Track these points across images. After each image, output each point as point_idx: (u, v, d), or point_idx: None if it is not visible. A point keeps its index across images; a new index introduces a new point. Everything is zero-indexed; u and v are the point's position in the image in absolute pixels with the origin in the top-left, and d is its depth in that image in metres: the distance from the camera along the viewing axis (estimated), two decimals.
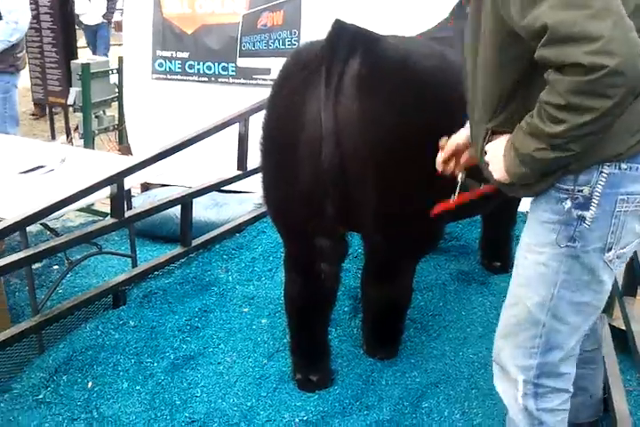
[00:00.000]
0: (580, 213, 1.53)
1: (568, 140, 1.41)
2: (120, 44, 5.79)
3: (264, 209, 3.14)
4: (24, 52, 4.75)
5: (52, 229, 3.11)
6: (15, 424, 2.25)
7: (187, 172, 4.06)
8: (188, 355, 2.60)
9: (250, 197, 3.89)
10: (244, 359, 2.59)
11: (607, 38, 1.27)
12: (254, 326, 2.79)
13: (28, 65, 5.39)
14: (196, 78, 4.62)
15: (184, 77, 4.64)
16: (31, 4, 5.36)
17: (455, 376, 2.50)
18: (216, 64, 4.53)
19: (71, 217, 4.07)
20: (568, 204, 1.54)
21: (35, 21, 5.57)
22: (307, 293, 2.37)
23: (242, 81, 4.48)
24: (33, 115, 7.03)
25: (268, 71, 4.33)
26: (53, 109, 6.00)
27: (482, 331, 2.75)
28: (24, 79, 5.16)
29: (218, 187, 3.44)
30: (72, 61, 5.12)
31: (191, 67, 4.61)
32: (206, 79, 4.59)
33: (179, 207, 3.24)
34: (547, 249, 1.59)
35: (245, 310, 2.91)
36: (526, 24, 1.37)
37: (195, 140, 3.14)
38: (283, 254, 2.51)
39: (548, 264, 1.59)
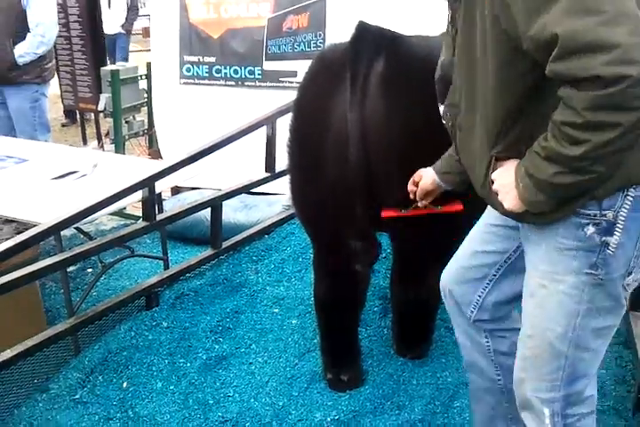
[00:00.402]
0: (603, 238, 1.42)
1: (591, 162, 1.28)
2: (148, 50, 5.87)
3: (292, 211, 3.17)
4: (52, 62, 4.82)
5: (85, 233, 3.16)
6: (53, 423, 2.30)
7: (216, 175, 4.10)
8: (220, 355, 2.64)
9: (278, 199, 3.92)
10: (276, 359, 2.62)
11: (626, 45, 1.16)
12: (285, 327, 2.81)
13: (58, 73, 5.49)
14: (223, 82, 4.67)
15: (211, 82, 4.70)
16: (60, 12, 5.46)
17: None
18: (242, 68, 4.58)
19: (103, 221, 4.14)
20: (590, 229, 1.42)
21: (64, 30, 5.68)
22: (336, 293, 2.39)
23: (268, 84, 4.52)
24: (63, 125, 7.14)
25: (294, 74, 4.36)
26: (84, 116, 6.11)
27: None
28: (54, 87, 5.25)
29: (246, 189, 3.47)
30: (102, 68, 5.21)
31: (218, 71, 4.66)
32: (233, 83, 4.63)
33: (209, 210, 3.28)
34: (568, 277, 1.48)
35: (276, 310, 2.93)
36: (534, 34, 1.24)
37: (223, 144, 3.18)
38: (312, 255, 2.53)
39: (569, 293, 1.49)
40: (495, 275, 1.78)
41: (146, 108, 5.20)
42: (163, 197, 3.79)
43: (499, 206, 1.51)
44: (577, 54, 1.20)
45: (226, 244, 3.38)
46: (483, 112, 1.48)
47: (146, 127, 5.24)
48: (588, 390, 1.61)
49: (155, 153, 4.95)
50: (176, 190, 4.42)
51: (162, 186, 3.12)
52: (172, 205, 3.74)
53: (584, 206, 1.41)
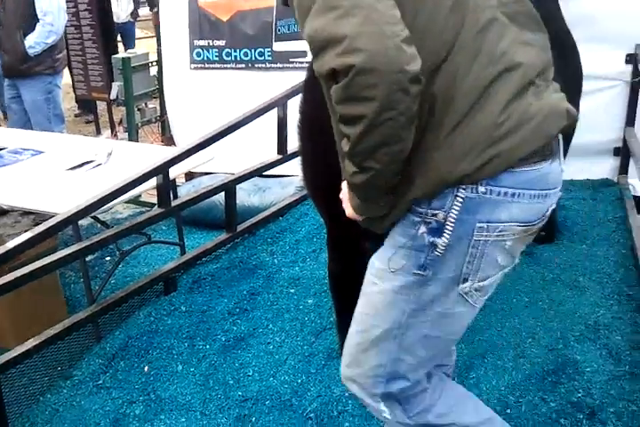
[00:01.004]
0: (432, 239, 1.35)
1: (362, 158, 1.26)
2: (153, 37, 5.88)
3: (306, 192, 3.18)
4: (63, 53, 4.86)
5: (102, 222, 3.21)
6: (77, 409, 2.37)
7: (229, 159, 4.12)
8: (239, 336, 2.68)
9: (291, 181, 3.94)
10: (293, 338, 2.65)
11: (352, 36, 1.15)
12: (301, 306, 2.84)
13: (69, 63, 5.53)
14: (233, 66, 4.66)
15: (222, 65, 4.68)
16: (70, 1, 5.50)
17: (502, 346, 2.50)
18: (252, 50, 4.56)
19: (119, 209, 4.19)
20: (421, 228, 1.36)
21: (74, 19, 5.72)
22: (349, 271, 2.40)
23: (278, 65, 4.50)
24: (77, 116, 7.18)
25: (304, 54, 4.33)
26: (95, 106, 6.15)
27: (527, 301, 2.74)
28: (65, 77, 5.29)
29: (259, 172, 3.49)
30: (113, 56, 5.24)
31: (228, 54, 4.65)
32: (243, 66, 4.62)
33: (223, 194, 3.30)
34: (398, 276, 1.41)
35: (292, 291, 2.96)
36: (305, 39, 1.25)
37: (235, 128, 3.20)
38: (325, 235, 2.55)
39: (397, 292, 1.42)
40: None
41: (158, 94, 5.22)
42: (177, 183, 3.83)
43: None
44: (320, 51, 1.20)
45: (241, 227, 3.41)
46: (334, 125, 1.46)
47: (158, 114, 5.27)
48: (409, 393, 1.53)
49: (168, 140, 4.98)
50: (190, 176, 4.45)
51: (176, 172, 3.15)
52: (186, 191, 3.77)
53: (418, 203, 1.35)
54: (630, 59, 3.56)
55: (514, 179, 1.31)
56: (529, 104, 1.31)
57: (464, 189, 1.31)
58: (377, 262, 1.48)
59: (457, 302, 1.41)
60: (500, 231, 1.34)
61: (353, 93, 1.18)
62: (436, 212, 1.33)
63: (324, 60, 1.20)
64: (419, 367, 1.51)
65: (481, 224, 1.33)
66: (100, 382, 2.47)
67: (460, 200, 1.31)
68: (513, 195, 1.32)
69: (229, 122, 3.19)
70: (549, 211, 1.40)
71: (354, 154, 1.27)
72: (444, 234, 1.34)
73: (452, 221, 1.33)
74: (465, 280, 1.39)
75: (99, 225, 3.38)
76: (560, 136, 1.42)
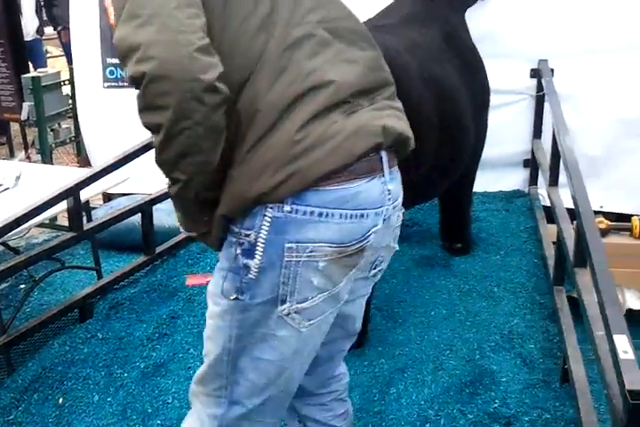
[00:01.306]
0: (245, 261, 1.32)
1: (168, 168, 1.26)
2: (62, 55, 5.73)
3: None
4: None
5: (12, 248, 3.11)
6: None
7: (146, 178, 4.04)
8: (158, 362, 2.62)
9: None
10: None
11: (147, 44, 1.17)
12: None
13: None
14: None
15: None
16: None
17: (421, 360, 2.54)
18: None
19: (35, 234, 4.05)
20: (237, 250, 1.32)
21: None
22: None
23: None
24: None
25: None
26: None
27: (446, 313, 2.80)
28: None
29: None
30: (22, 76, 5.07)
31: None
32: None
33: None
34: (222, 300, 1.38)
35: None
36: None
37: (150, 147, 3.13)
38: None
39: (222, 317, 1.39)
40: None
41: (72, 114, 5.09)
42: (93, 206, 3.73)
43: None
44: (124, 60, 1.22)
45: (160, 249, 3.35)
46: None
47: (73, 134, 5.13)
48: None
49: (84, 160, 4.85)
50: (108, 197, 4.34)
51: (88, 193, 3.07)
52: (103, 213, 3.67)
53: (234, 223, 1.33)
54: (534, 73, 3.69)
55: (319, 198, 1.28)
56: (333, 123, 1.28)
57: (271, 208, 1.29)
58: (210, 286, 1.44)
59: (278, 324, 1.37)
60: (310, 252, 1.30)
61: (148, 102, 1.20)
62: (249, 232, 1.31)
63: (127, 70, 1.21)
64: (253, 395, 1.45)
65: (290, 244, 1.29)
66: (12, 417, 2.36)
67: (269, 220, 1.29)
68: (320, 214, 1.29)
69: (143, 141, 3.13)
70: (371, 232, 1.35)
71: (160, 164, 1.27)
72: (256, 255, 1.31)
73: (262, 241, 1.30)
74: (283, 302, 1.35)
75: (11, 252, 3.26)
76: (384, 154, 1.36)
